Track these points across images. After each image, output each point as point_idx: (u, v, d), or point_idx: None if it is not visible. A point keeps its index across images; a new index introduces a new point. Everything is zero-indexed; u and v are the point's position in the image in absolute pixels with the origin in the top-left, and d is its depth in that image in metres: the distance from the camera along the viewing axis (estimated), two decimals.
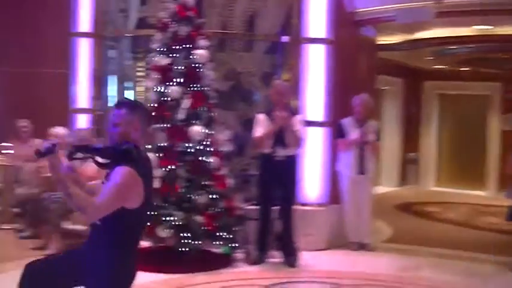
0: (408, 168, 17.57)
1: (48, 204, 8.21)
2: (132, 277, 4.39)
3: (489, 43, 12.48)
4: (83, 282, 4.29)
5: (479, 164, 16.84)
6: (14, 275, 4.50)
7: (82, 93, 10.04)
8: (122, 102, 4.44)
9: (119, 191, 4.03)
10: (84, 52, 10.06)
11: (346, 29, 9.75)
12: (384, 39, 11.85)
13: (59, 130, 8.94)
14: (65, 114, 10.01)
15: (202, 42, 8.18)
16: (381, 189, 15.48)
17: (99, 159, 4.13)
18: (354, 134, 9.12)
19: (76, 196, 3.91)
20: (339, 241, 9.36)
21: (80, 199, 3.91)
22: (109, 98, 10.19)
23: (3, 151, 9.67)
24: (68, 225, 8.62)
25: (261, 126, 8.17)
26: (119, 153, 4.10)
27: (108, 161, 4.13)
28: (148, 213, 4.44)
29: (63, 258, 4.61)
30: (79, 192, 3.95)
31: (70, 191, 3.89)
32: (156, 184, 7.62)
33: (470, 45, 13.12)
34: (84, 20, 10.03)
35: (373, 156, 9.39)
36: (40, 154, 3.86)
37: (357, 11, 9.86)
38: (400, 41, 12.42)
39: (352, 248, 9.29)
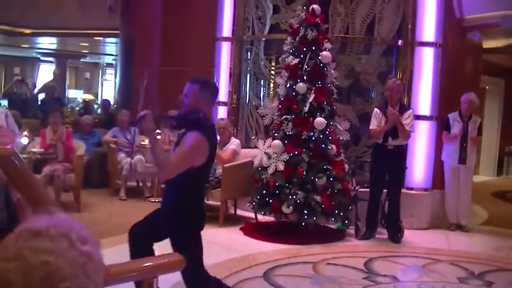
0: (505, 161, 17.12)
1: None
2: (199, 226, 4.53)
3: None
4: (164, 233, 4.54)
5: None
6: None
7: (222, 88, 10.25)
8: (195, 79, 4.59)
9: (191, 152, 4.29)
10: (225, 54, 10.34)
11: (454, 33, 9.56)
12: (489, 43, 11.55)
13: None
14: None
15: (327, 45, 8.22)
16: (479, 178, 15.14)
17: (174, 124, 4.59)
18: (457, 128, 8.96)
19: (160, 155, 4.21)
20: (439, 222, 9.23)
21: (161, 158, 4.24)
22: (245, 93, 10.37)
23: (157, 137, 9.98)
24: (206, 201, 8.89)
25: (376, 119, 8.16)
26: (190, 121, 4.37)
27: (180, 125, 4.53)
28: (209, 169, 4.65)
29: (150, 217, 4.76)
30: (162, 153, 4.28)
31: (157, 150, 4.20)
32: (281, 167, 7.75)
33: None
34: (226, 27, 10.32)
35: (473, 148, 9.19)
36: (133, 122, 4.22)
37: (465, 17, 9.64)
38: (504, 44, 12.07)
39: (451, 229, 9.13)
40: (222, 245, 7.46)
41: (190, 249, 4.29)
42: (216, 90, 4.71)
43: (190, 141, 4.27)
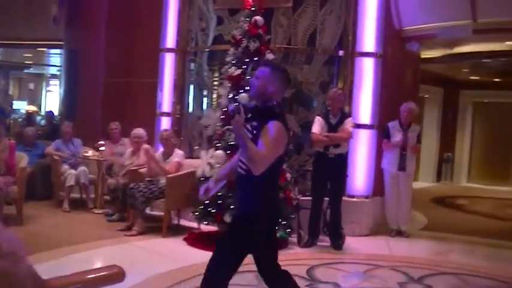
0: (444, 167, 17.42)
1: (134, 192, 8.37)
2: (279, 213, 4.61)
3: None
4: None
5: (506, 163, 16.63)
6: (107, 251, 4.60)
7: (166, 99, 10.30)
8: (266, 63, 4.63)
9: (277, 142, 4.18)
10: (169, 65, 10.32)
11: (394, 44, 9.72)
12: (427, 54, 11.74)
13: (139, 131, 9.18)
14: (152, 117, 10.31)
15: (269, 55, 8.19)
16: (419, 185, 15.39)
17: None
18: (397, 136, 9.07)
19: (250, 148, 4.03)
20: (380, 228, 9.36)
21: (252, 151, 4.03)
22: (188, 104, 10.39)
23: (99, 148, 9.96)
24: (149, 211, 8.98)
25: (319, 124, 8.22)
26: (267, 111, 4.27)
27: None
28: (284, 160, 4.61)
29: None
30: (252, 145, 4.07)
31: (247, 143, 4.02)
32: None
33: (503, 59, 12.93)
34: (170, 38, 10.31)
35: (413, 155, 9.32)
36: (231, 116, 4.00)
37: (404, 28, 9.81)
38: (441, 55, 12.29)
39: (391, 235, 9.25)
40: (165, 256, 7.41)
41: (268, 244, 4.47)
42: (287, 77, 4.56)
43: (274, 130, 4.17)
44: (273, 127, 4.16)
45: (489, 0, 8.79)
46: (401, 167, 9.14)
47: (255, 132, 4.25)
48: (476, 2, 8.85)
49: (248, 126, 4.27)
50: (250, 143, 4.05)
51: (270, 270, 4.58)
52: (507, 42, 10.69)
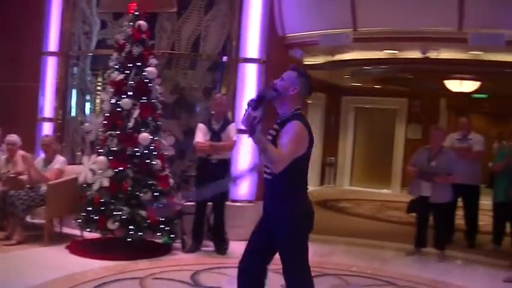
0: (327, 170, 17.78)
1: (13, 200, 8.14)
2: (312, 213, 4.59)
3: (397, 65, 12.68)
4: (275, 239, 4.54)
5: (386, 166, 17.15)
6: None
7: (48, 104, 10.08)
8: (294, 67, 4.61)
9: (296, 141, 4.27)
10: (51, 68, 10.11)
11: (277, 50, 9.82)
12: (310, 60, 11.94)
13: (12, 137, 8.85)
14: (34, 122, 10.07)
15: (152, 60, 8.21)
16: None
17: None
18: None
19: (268, 147, 4.10)
20: None
21: (271, 150, 4.11)
22: (71, 109, 10.18)
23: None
24: (30, 219, 8.74)
25: (201, 132, 8.24)
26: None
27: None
28: (309, 160, 4.58)
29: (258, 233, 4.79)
30: (270, 145, 4.15)
31: (265, 142, 4.09)
32: (106, 183, 7.65)
33: (382, 66, 13.31)
34: (53, 41, 10.10)
35: None
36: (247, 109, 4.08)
37: (287, 35, 9.95)
38: (323, 61, 12.51)
39: None
40: (47, 265, 7.21)
41: (303, 249, 4.58)
42: (309, 85, 4.60)
43: (293, 130, 4.27)
44: (292, 127, 4.30)
45: (369, 10, 9.02)
46: None
47: (275, 133, 4.41)
48: (356, 11, 9.08)
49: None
50: (267, 142, 4.14)
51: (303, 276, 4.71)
52: (385, 51, 11.03)
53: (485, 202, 10.13)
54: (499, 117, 19.61)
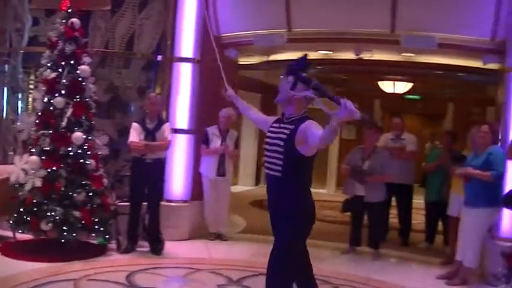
0: (262, 170, 17.83)
1: None
2: (314, 211, 5.04)
3: (331, 65, 12.83)
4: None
5: (321, 166, 17.28)
6: None
7: None
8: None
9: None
10: None
11: (212, 50, 9.80)
12: (245, 60, 11.98)
13: None
14: None
15: (86, 59, 8.12)
16: (238, 188, 15.75)
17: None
18: (216, 142, 9.24)
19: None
20: (199, 232, 9.48)
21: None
22: (2, 107, 9.93)
23: None
24: None
25: (136, 132, 8.21)
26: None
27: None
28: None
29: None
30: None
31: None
32: (39, 183, 7.53)
33: (317, 67, 13.45)
34: None
35: (231, 160, 9.51)
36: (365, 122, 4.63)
37: (222, 35, 9.96)
38: (259, 61, 12.57)
39: (211, 238, 9.39)
40: None
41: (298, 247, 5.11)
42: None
43: (319, 127, 4.65)
44: (316, 125, 4.74)
45: (303, 10, 9.10)
46: (220, 172, 9.33)
47: (289, 133, 4.80)
48: (291, 11, 9.17)
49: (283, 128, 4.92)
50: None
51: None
52: (320, 52, 11.14)
53: (418, 201, 10.36)
54: (431, 118, 20.13)
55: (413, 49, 9.78)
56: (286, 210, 4.89)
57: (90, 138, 7.96)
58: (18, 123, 8.70)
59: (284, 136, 4.83)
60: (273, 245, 5.11)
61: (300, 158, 4.82)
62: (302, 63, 4.87)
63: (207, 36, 9.44)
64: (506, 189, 7.43)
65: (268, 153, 5.05)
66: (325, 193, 16.83)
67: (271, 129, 5.10)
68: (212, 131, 9.33)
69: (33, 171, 7.64)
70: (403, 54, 10.59)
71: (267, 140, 5.12)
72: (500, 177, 7.38)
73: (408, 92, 15.55)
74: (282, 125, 4.96)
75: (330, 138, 4.50)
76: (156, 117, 8.37)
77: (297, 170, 4.79)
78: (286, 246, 4.98)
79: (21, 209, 7.60)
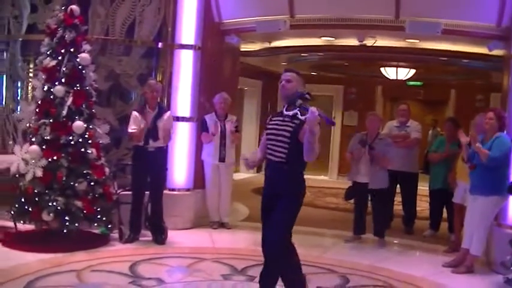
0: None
1: None
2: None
3: (333, 52, 12.80)
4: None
5: (323, 153, 17.26)
6: None
7: None
8: (290, 69, 5.62)
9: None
10: None
11: (213, 37, 9.82)
12: (246, 47, 11.94)
13: None
14: None
15: (86, 46, 8.07)
16: (240, 176, 15.71)
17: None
18: (212, 127, 9.19)
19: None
20: (202, 221, 9.47)
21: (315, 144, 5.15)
22: (1, 96, 9.87)
23: None
24: None
25: (135, 122, 8.13)
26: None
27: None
28: None
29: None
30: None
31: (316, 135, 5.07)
32: (40, 173, 7.48)
33: (319, 54, 13.42)
34: None
35: (232, 145, 9.48)
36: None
37: (223, 21, 9.92)
38: (260, 48, 12.54)
39: (214, 227, 9.38)
40: None
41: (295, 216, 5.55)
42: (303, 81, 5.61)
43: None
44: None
45: None
46: (222, 157, 9.30)
47: (298, 122, 5.33)
48: None
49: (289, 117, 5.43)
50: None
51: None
52: (323, 38, 11.10)
53: (422, 188, 10.32)
54: (433, 105, 20.09)
55: (417, 35, 9.72)
56: (288, 190, 5.42)
57: (91, 127, 7.92)
58: (18, 112, 8.68)
59: (290, 129, 5.39)
60: (265, 235, 5.79)
61: (301, 145, 5.28)
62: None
63: (207, 23, 9.44)
64: None
65: (272, 143, 5.52)
66: (327, 180, 16.81)
67: (276, 121, 5.56)
68: (210, 117, 9.30)
69: (33, 161, 7.59)
70: (407, 40, 10.53)
71: (272, 131, 5.55)
72: (495, 160, 7.24)
73: (410, 79, 15.52)
74: (286, 118, 5.46)
75: (309, 142, 5.12)
76: (156, 105, 8.30)
77: (298, 156, 5.31)
78: (285, 231, 5.63)
79: (22, 200, 7.56)
